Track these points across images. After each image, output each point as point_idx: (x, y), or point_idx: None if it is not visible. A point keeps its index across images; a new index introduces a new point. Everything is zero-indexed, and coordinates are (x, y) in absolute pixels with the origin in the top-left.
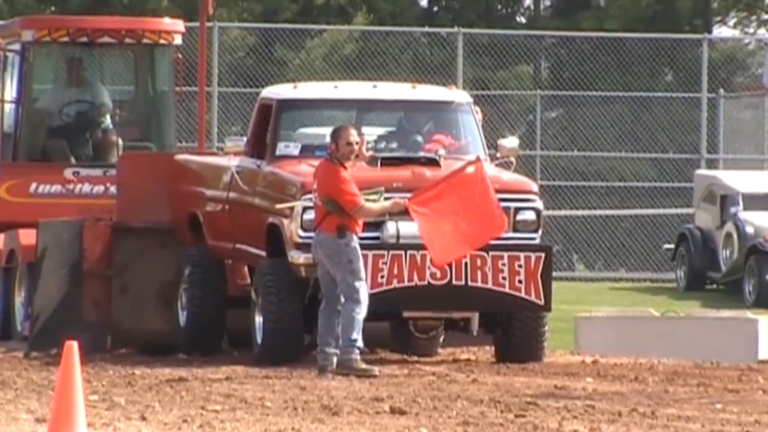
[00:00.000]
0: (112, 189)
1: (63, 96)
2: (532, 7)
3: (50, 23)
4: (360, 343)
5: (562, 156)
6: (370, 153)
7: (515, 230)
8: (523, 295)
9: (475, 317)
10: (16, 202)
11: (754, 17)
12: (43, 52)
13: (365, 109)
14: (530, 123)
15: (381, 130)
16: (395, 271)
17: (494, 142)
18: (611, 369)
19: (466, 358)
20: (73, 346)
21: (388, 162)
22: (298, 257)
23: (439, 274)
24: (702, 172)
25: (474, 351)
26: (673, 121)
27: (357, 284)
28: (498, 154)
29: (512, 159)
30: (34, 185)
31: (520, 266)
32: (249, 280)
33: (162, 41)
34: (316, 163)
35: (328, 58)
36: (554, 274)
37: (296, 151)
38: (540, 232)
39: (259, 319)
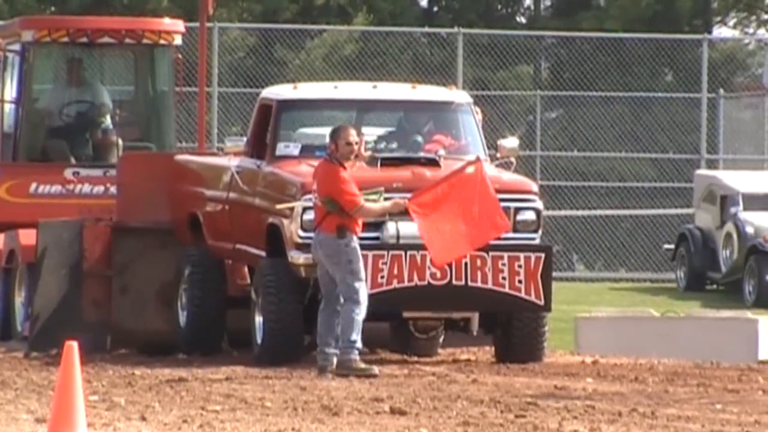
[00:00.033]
0: (112, 189)
1: (63, 96)
2: (532, 7)
3: (50, 23)
4: (359, 345)
5: (562, 156)
6: (369, 153)
7: (515, 230)
8: (523, 295)
9: (475, 317)
10: (16, 202)
11: (754, 17)
12: (43, 52)
13: (365, 109)
14: (530, 123)
15: (381, 131)
16: (395, 272)
17: (494, 143)
18: (611, 369)
19: (466, 358)
20: (73, 347)
21: (388, 162)
22: (298, 257)
23: (439, 275)
24: (702, 172)
25: (474, 351)
26: (673, 121)
27: (357, 285)
28: (498, 155)
29: (512, 159)
30: (34, 185)
31: (520, 266)
32: (249, 280)
33: (162, 41)
34: (316, 163)
35: (328, 58)
36: (554, 274)
37: (296, 152)
38: (540, 232)
39: (259, 320)
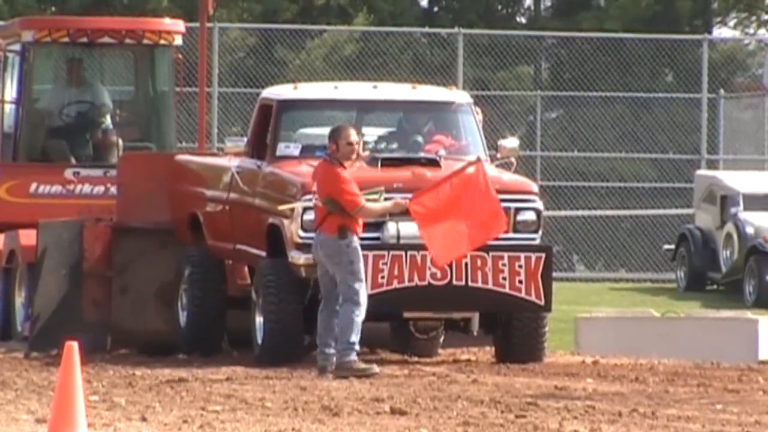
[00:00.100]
0: (113, 189)
1: (63, 96)
2: (533, 8)
3: (50, 24)
4: (357, 347)
5: (563, 156)
6: (367, 153)
7: (515, 231)
8: (523, 295)
9: (475, 317)
10: (16, 202)
11: (754, 18)
12: (43, 52)
13: (365, 109)
14: (530, 123)
15: (381, 131)
16: (395, 272)
17: (494, 143)
18: (611, 369)
19: (467, 358)
20: (73, 347)
21: (389, 162)
22: (298, 258)
23: (439, 275)
24: (702, 172)
25: (474, 351)
26: (674, 121)
27: (357, 286)
28: (498, 155)
29: (512, 159)
30: (34, 185)
31: (520, 266)
32: (249, 281)
33: (162, 42)
34: (316, 163)
35: (328, 58)
36: (554, 274)
37: (296, 152)
38: (540, 232)
39: (259, 320)
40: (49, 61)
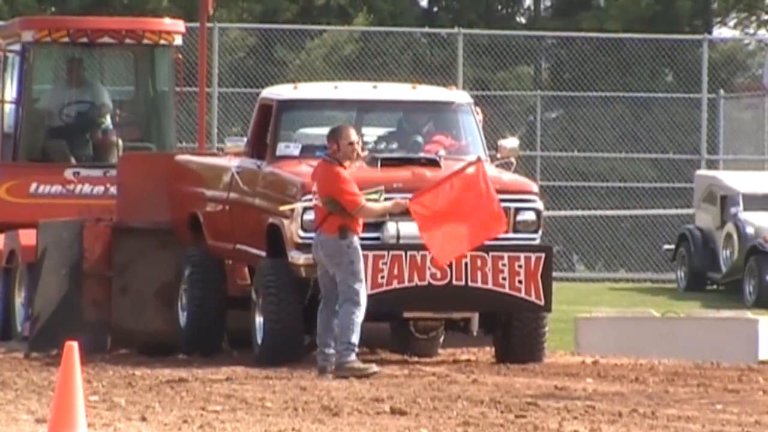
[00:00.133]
0: (112, 189)
1: (63, 96)
2: (532, 8)
3: (50, 24)
4: (356, 347)
5: (563, 156)
6: (366, 152)
7: (515, 231)
8: (523, 295)
9: (475, 317)
10: (16, 202)
11: (754, 18)
12: (43, 52)
13: (365, 109)
14: (530, 123)
15: (381, 131)
16: (395, 272)
17: (494, 143)
18: (611, 369)
19: (466, 358)
20: (73, 347)
21: (388, 162)
22: (298, 258)
23: (439, 275)
24: (702, 172)
25: (474, 351)
26: (674, 121)
27: (357, 286)
28: (498, 155)
29: (512, 159)
30: (34, 185)
31: (520, 266)
32: (249, 281)
33: (162, 42)
34: (316, 163)
35: (328, 58)
36: (554, 274)
37: (296, 152)
38: (540, 232)
39: (259, 320)
40: (49, 61)
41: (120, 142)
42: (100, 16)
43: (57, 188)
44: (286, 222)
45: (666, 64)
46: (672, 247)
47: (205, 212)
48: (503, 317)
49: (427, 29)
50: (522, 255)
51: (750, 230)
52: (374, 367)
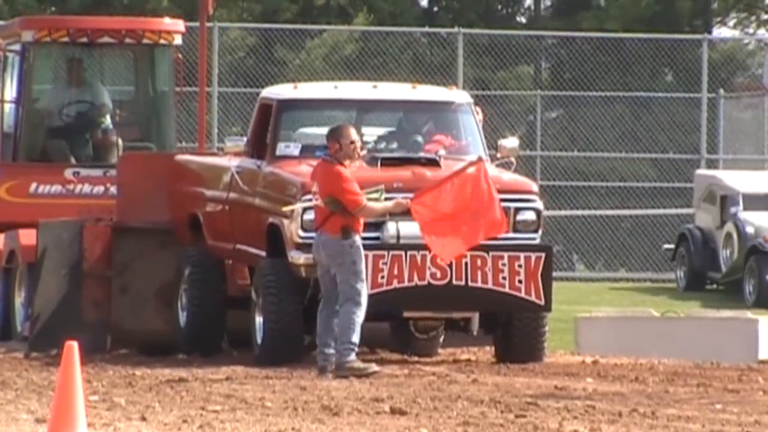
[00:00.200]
0: (112, 189)
1: (63, 96)
2: (532, 8)
3: (50, 23)
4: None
5: (563, 156)
6: (365, 152)
7: (515, 230)
8: (523, 295)
9: (475, 317)
10: (16, 202)
11: (754, 17)
12: (43, 52)
13: (365, 109)
14: (530, 123)
15: (381, 131)
16: (395, 272)
17: (494, 143)
18: (611, 369)
19: (467, 358)
20: (73, 347)
21: (389, 162)
22: (298, 257)
23: (439, 275)
24: (702, 172)
25: (474, 351)
26: (673, 121)
27: (359, 286)
28: (498, 155)
29: (512, 159)
30: (34, 185)
31: (520, 266)
32: (249, 281)
33: (162, 41)
34: (316, 163)
35: (328, 58)
36: (554, 274)
37: (296, 152)
38: (540, 232)
39: (259, 320)
40: (49, 61)
41: (120, 142)
42: (100, 16)
43: (57, 188)
44: (286, 222)
45: (666, 64)
46: (672, 246)
47: (205, 212)
48: (503, 317)
49: (427, 29)
50: (522, 255)
51: (750, 230)
52: (374, 367)
